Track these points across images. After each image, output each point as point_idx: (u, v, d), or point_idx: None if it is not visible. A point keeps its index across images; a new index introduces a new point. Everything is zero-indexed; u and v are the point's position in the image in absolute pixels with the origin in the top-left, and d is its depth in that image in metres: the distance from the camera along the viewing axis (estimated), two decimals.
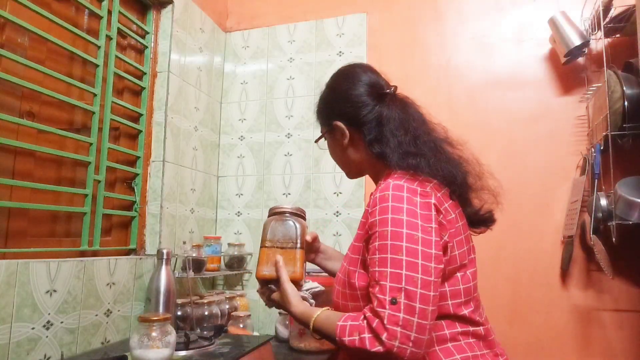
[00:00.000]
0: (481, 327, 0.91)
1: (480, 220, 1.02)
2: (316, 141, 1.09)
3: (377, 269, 0.80)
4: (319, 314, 0.91)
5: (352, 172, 1.08)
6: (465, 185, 0.96)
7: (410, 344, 0.75)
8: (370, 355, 0.78)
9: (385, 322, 0.75)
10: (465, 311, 0.89)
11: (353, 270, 0.91)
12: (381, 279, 0.79)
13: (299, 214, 1.10)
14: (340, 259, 1.16)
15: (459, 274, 0.89)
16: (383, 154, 0.94)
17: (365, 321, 0.79)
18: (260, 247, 1.06)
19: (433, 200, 0.86)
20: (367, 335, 0.77)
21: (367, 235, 0.88)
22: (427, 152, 0.93)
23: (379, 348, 0.75)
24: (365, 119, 0.98)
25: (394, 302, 0.76)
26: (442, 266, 0.83)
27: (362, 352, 0.78)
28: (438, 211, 0.86)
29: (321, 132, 1.07)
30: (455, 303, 0.88)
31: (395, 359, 0.75)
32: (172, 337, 1.16)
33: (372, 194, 0.93)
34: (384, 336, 0.75)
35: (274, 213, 1.09)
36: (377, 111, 0.98)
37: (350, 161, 1.04)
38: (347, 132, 1.00)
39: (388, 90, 1.01)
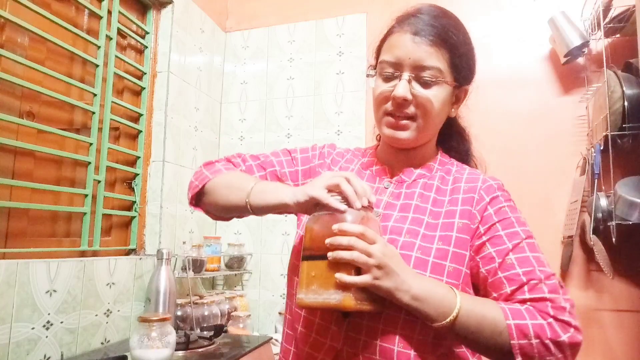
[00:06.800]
0: None
1: None
2: (433, 81, 0.82)
3: (529, 253, 0.75)
4: (462, 297, 0.69)
5: (425, 136, 0.88)
6: None
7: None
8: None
9: (570, 308, 0.70)
10: None
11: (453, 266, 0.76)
12: (540, 265, 0.74)
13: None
14: None
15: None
16: (459, 139, 0.98)
17: (534, 307, 0.70)
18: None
19: None
20: (551, 321, 0.68)
21: (477, 219, 0.80)
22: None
23: (571, 335, 0.67)
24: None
25: (561, 285, 0.73)
26: None
27: (537, 345, 0.67)
28: None
29: (442, 76, 0.83)
30: None
31: (577, 345, 0.68)
32: (172, 337, 1.17)
33: (433, 171, 0.89)
34: (574, 321, 0.69)
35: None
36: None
37: (436, 129, 0.90)
38: (463, 103, 0.91)
39: None
